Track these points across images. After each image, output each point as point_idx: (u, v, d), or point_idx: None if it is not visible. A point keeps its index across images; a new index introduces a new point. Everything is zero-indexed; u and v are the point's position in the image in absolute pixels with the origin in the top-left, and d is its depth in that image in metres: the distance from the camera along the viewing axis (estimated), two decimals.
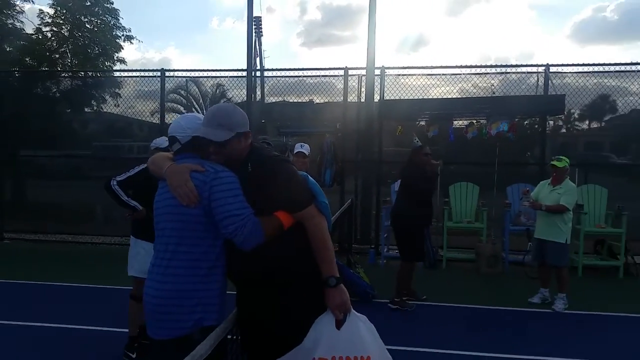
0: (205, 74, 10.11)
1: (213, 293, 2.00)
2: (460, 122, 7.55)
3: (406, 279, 5.44)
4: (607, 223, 7.09)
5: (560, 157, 5.46)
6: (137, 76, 9.31)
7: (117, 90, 10.65)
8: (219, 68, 9.36)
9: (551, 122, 9.72)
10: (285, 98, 8.99)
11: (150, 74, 8.98)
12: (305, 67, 8.76)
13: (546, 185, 5.50)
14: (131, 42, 13.72)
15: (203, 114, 2.19)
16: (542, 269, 5.58)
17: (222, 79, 9.52)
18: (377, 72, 7.88)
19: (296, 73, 8.54)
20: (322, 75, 8.24)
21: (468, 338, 4.57)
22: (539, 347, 4.34)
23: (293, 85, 8.52)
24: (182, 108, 14.31)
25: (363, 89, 7.99)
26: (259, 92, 10.62)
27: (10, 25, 12.47)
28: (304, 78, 8.46)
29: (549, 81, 7.35)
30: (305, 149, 5.23)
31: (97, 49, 12.98)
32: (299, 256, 2.04)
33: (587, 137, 11.75)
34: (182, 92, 14.43)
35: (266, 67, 8.97)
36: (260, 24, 18.57)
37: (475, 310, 5.39)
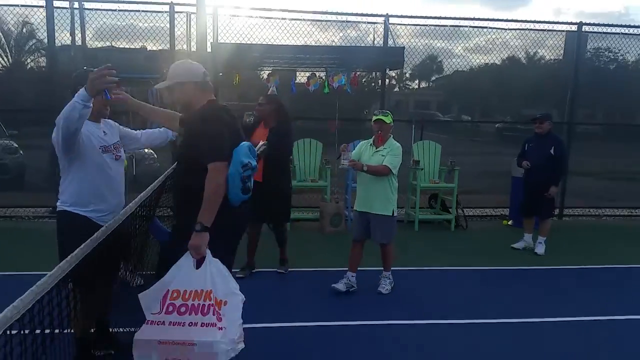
0: None
1: None
2: (301, 75, 6.99)
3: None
4: (440, 178, 7.30)
5: (386, 111, 4.43)
6: None
7: None
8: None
9: (387, 80, 9.86)
10: (113, 43, 7.51)
11: None
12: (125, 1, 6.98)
13: (368, 147, 4.44)
14: None
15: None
16: (357, 250, 4.52)
17: (27, 14, 7.33)
18: (210, 10, 6.84)
19: (112, 7, 7.03)
20: (143, 11, 6.90)
21: (318, 306, 4.15)
22: (379, 310, 4.11)
23: (121, 28, 7.08)
24: None
25: (193, 30, 6.90)
26: (79, 35, 8.71)
27: None
28: (132, 20, 7.03)
29: (389, 33, 7.12)
30: None
31: None
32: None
33: (418, 96, 12.34)
34: None
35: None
36: None
37: (320, 273, 4.99)
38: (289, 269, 5.04)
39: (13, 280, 4.34)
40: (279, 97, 5.13)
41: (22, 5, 6.98)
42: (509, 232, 6.86)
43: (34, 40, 10.41)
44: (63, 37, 7.24)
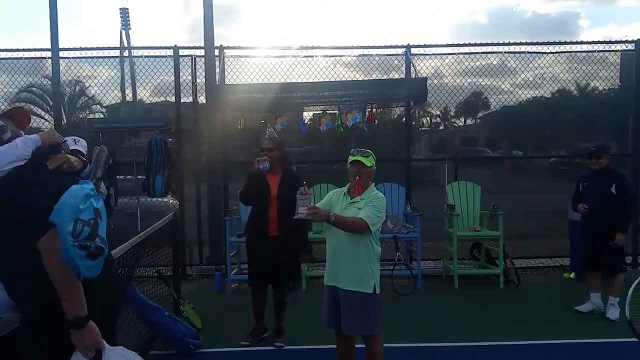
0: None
1: None
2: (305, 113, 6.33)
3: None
4: (482, 225, 6.25)
5: (367, 150, 3.24)
6: None
7: None
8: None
9: (429, 118, 9.14)
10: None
11: None
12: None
13: (341, 197, 3.29)
14: None
15: None
16: (342, 342, 3.33)
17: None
18: (216, 52, 6.37)
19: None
20: (146, 56, 6.54)
21: None
22: None
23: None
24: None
25: (199, 73, 6.44)
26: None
27: None
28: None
29: (411, 64, 6.34)
30: (81, 145, 3.99)
31: None
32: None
33: (464, 133, 11.58)
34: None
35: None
36: None
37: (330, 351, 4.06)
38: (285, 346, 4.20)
39: None
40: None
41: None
42: (571, 289, 5.71)
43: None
44: None
